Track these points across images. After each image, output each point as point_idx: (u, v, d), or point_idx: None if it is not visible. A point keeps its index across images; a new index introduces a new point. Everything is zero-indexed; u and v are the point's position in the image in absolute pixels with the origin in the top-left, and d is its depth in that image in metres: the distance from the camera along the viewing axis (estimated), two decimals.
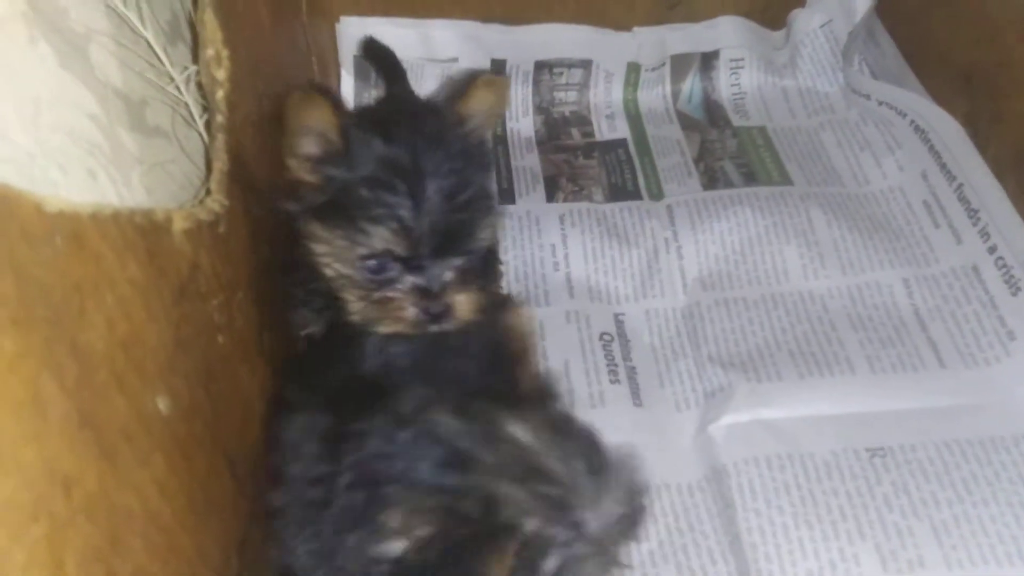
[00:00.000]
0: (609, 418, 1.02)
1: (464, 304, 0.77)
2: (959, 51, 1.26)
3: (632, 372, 1.08)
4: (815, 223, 1.21)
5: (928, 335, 1.07)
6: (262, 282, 0.80)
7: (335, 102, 0.76)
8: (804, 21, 1.43)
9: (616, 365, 1.08)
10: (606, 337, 1.12)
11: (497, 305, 0.89)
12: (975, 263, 1.12)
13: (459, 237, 0.76)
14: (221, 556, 0.66)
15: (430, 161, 0.73)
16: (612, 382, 1.06)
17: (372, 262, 0.75)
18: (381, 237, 0.73)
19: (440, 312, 0.76)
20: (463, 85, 0.82)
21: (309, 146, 0.76)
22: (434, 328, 0.77)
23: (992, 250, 1.11)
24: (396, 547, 0.59)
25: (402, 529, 0.59)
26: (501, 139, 1.38)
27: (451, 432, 0.62)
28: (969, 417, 0.99)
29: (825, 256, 1.17)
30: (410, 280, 0.76)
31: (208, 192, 0.67)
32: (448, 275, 0.77)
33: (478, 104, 0.81)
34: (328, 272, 0.78)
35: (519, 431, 0.62)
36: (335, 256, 0.77)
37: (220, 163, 0.68)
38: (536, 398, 0.74)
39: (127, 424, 0.50)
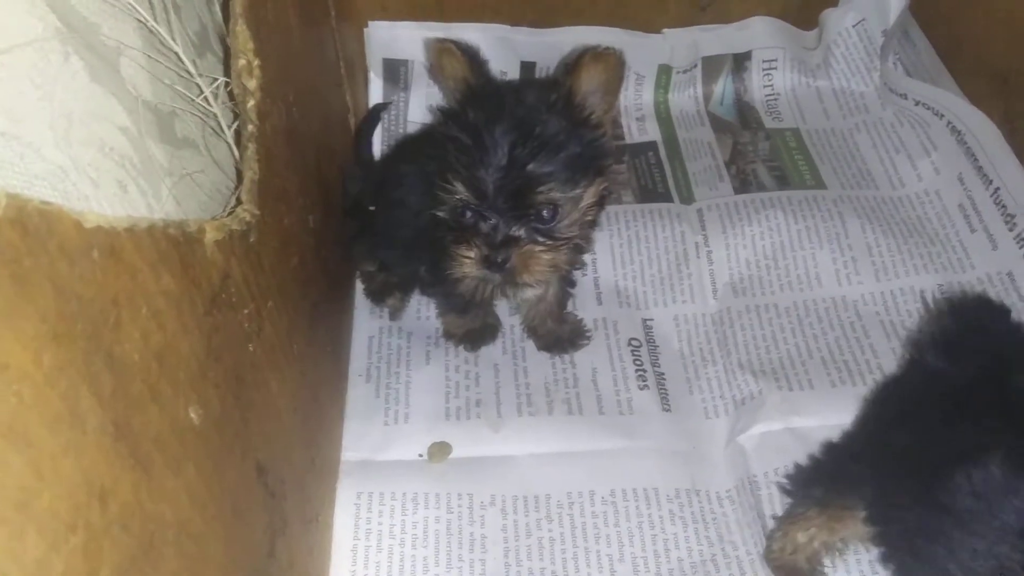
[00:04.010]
0: (639, 424, 1.02)
1: (526, 262, 0.85)
2: (995, 51, 1.24)
3: (661, 378, 1.07)
4: (849, 227, 1.19)
5: None
6: (292, 290, 0.80)
7: (473, 58, 0.87)
8: (837, 20, 1.42)
9: (645, 371, 1.08)
10: (634, 343, 1.11)
11: None
12: (1011, 269, 1.11)
13: (524, 196, 0.83)
14: (250, 565, 0.66)
15: (506, 128, 0.81)
16: (641, 388, 1.06)
17: (457, 208, 0.86)
18: (459, 188, 0.84)
19: (501, 261, 0.84)
20: (574, 60, 0.83)
21: (446, 88, 0.89)
22: (497, 278, 0.87)
23: None
24: None
25: None
26: None
27: None
28: None
29: (859, 261, 1.16)
30: (480, 227, 0.84)
31: (239, 202, 0.68)
32: (515, 230, 0.84)
33: (589, 78, 0.83)
34: (440, 214, 0.89)
35: None
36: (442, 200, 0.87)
37: (251, 172, 0.69)
38: None
39: (160, 434, 0.51)
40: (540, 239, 0.86)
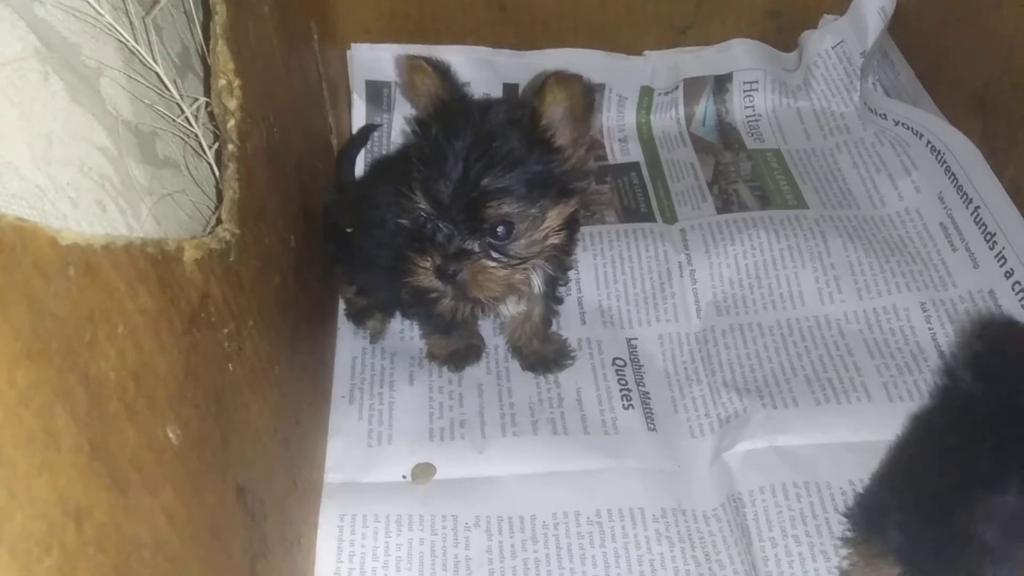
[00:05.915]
0: (624, 444, 1.02)
1: (476, 277, 0.85)
2: (973, 72, 1.26)
3: (646, 397, 1.07)
4: (831, 246, 1.20)
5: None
6: (273, 310, 0.80)
7: (444, 75, 0.88)
8: (816, 42, 1.43)
9: (630, 390, 1.08)
10: (619, 362, 1.11)
11: None
12: (992, 287, 1.12)
13: (477, 209, 0.83)
14: None
15: (465, 142, 0.82)
16: (626, 408, 1.06)
17: (419, 218, 0.87)
18: (419, 197, 0.85)
19: (453, 272, 0.85)
20: (539, 82, 0.84)
21: (419, 106, 0.90)
22: (452, 288, 0.87)
23: (1009, 274, 1.10)
24: None
25: None
26: None
27: None
28: None
29: (841, 280, 1.17)
30: (437, 237, 0.86)
31: (219, 221, 0.67)
32: (469, 244, 0.85)
33: (553, 101, 0.83)
34: (403, 222, 0.91)
35: None
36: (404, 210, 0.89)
37: (231, 192, 0.68)
38: None
39: (137, 454, 0.50)
40: (494, 255, 0.86)
